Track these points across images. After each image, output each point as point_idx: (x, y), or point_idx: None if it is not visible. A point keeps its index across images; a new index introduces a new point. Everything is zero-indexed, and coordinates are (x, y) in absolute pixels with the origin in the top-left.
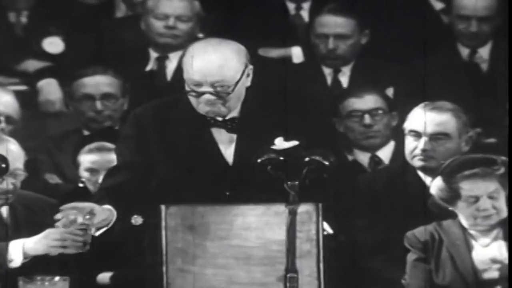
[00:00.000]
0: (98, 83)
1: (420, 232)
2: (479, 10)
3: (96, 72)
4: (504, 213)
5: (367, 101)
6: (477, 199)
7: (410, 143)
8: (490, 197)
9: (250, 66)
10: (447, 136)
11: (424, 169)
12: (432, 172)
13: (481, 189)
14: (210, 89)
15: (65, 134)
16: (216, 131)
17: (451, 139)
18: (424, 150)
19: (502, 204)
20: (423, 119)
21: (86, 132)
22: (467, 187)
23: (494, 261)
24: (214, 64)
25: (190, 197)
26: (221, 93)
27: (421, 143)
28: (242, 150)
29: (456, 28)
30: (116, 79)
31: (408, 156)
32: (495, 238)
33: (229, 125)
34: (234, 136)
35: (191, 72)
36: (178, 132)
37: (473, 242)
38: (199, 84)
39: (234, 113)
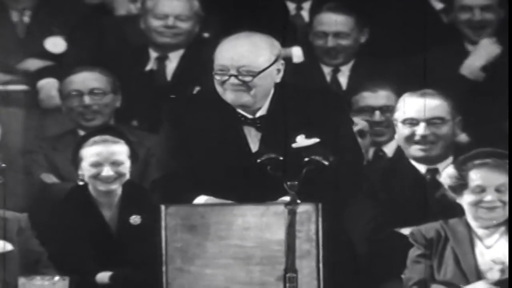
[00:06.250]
0: (85, 79)
1: (426, 229)
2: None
3: (83, 70)
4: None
5: (380, 98)
6: (483, 189)
7: (405, 130)
8: (498, 190)
9: (282, 61)
10: (442, 120)
11: (425, 159)
12: (430, 161)
13: (489, 180)
14: (235, 73)
15: (61, 134)
16: (246, 128)
17: (446, 122)
18: (423, 136)
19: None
20: (419, 105)
21: (81, 132)
22: (476, 177)
23: (496, 262)
24: (243, 49)
25: (219, 193)
26: (245, 78)
27: (420, 128)
28: (266, 148)
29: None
30: (104, 76)
31: (404, 145)
32: (499, 239)
33: (258, 124)
34: (259, 134)
35: (220, 57)
36: (212, 128)
37: (478, 242)
38: (226, 69)
39: (263, 111)
